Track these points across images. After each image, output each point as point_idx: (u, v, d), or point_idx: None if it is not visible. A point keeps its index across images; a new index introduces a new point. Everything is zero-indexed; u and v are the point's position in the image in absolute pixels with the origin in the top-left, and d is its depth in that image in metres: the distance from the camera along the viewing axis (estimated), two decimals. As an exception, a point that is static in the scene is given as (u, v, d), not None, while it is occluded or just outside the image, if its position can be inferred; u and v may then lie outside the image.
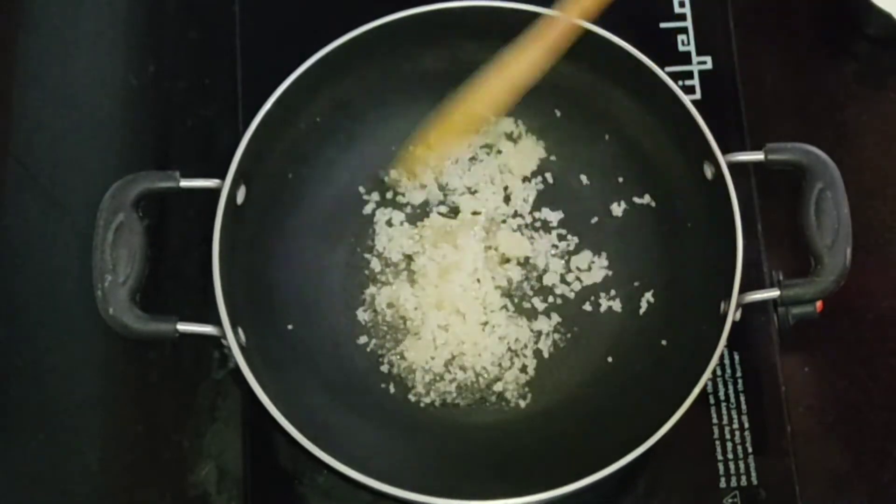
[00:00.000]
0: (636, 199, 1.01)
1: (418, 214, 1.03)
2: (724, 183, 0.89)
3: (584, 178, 1.03)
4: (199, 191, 0.90)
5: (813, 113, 1.09)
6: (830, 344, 1.02)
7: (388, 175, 1.02)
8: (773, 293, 0.88)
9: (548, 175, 1.03)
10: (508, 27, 0.94)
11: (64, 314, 1.00)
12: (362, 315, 1.00)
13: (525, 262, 1.01)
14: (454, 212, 1.03)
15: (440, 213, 1.03)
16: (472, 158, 1.04)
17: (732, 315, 0.86)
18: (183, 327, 0.87)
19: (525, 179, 1.04)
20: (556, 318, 0.99)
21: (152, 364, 0.99)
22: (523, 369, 0.98)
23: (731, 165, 0.89)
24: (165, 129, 1.07)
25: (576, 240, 1.02)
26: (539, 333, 0.99)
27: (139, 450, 0.98)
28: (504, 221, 1.02)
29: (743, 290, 0.87)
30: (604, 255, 1.01)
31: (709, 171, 0.91)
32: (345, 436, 0.90)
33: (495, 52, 0.92)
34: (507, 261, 1.01)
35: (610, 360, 0.98)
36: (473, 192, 1.03)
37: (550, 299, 1.00)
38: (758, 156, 0.91)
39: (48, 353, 0.99)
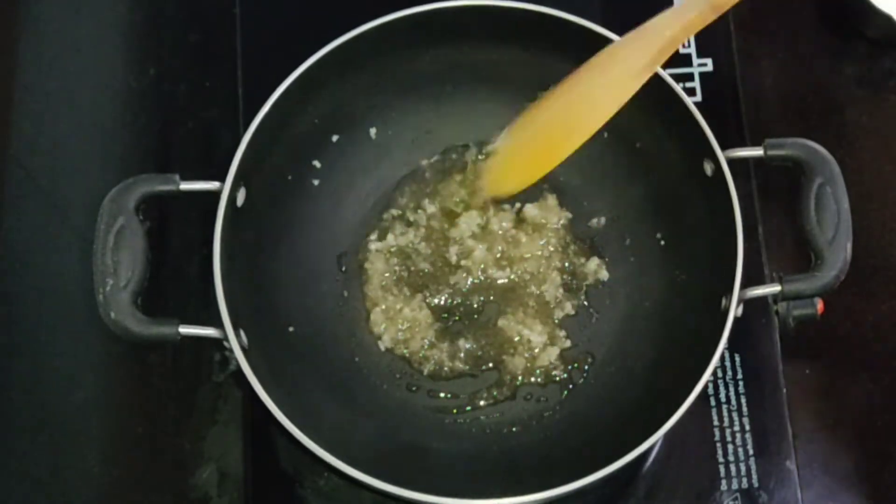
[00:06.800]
0: (635, 197, 1.01)
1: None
2: (724, 178, 0.89)
3: (583, 177, 1.03)
4: (199, 193, 0.90)
5: (813, 115, 1.09)
6: (831, 345, 1.02)
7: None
8: (775, 288, 0.88)
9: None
10: (507, 27, 0.95)
11: (65, 317, 1.01)
12: (363, 316, 1.00)
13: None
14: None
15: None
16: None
17: (734, 311, 0.86)
18: (185, 330, 0.86)
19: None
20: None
21: (153, 367, 0.99)
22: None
23: (731, 162, 0.89)
24: (166, 131, 1.07)
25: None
26: (539, 334, 0.99)
27: (140, 452, 0.98)
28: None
29: (744, 288, 0.87)
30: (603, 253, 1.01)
31: (708, 168, 0.91)
32: (348, 436, 0.90)
33: (494, 53, 0.91)
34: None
35: (610, 359, 0.98)
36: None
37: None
38: (757, 151, 0.91)
39: (49, 356, 1.00)
